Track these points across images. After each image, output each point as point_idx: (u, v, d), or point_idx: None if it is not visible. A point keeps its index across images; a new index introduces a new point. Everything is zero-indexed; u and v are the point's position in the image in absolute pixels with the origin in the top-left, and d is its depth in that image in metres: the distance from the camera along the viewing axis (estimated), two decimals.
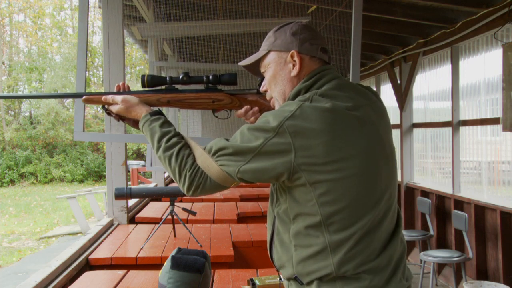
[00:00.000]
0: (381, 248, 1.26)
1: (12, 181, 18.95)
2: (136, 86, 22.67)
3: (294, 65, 1.34)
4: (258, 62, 1.43)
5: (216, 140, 1.31)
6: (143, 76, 1.53)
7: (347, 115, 1.23)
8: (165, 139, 1.37)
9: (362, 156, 1.22)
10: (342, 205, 1.21)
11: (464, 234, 4.22)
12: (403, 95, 6.14)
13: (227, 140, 1.29)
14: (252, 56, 1.43)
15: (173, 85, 1.57)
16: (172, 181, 8.08)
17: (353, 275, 1.22)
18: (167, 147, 1.36)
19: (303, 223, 1.25)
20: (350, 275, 1.22)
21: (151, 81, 1.55)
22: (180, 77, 1.53)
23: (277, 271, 1.36)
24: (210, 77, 1.54)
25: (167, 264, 1.91)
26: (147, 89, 1.56)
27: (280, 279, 1.44)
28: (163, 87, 1.58)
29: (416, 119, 6.21)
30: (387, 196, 1.29)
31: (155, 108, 1.51)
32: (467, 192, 4.91)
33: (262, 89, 1.44)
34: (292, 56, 1.34)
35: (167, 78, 1.56)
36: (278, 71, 1.37)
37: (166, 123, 1.43)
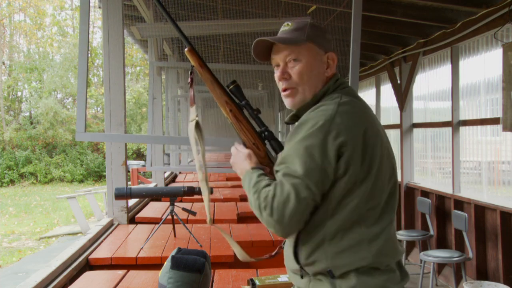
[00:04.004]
0: (396, 243, 1.39)
1: (12, 181, 18.96)
2: (136, 86, 22.70)
3: (328, 66, 1.43)
4: (269, 47, 1.43)
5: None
6: (234, 81, 1.53)
7: (374, 118, 1.38)
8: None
9: (383, 152, 1.35)
10: (376, 200, 1.32)
11: (464, 234, 4.22)
12: (403, 95, 6.14)
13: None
14: (287, 38, 1.40)
15: (246, 102, 1.53)
16: (172, 181, 8.07)
17: (386, 266, 1.32)
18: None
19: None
20: (384, 267, 1.32)
21: (234, 90, 1.54)
22: (254, 107, 1.54)
23: (301, 268, 1.36)
24: (266, 133, 1.52)
25: (167, 264, 1.91)
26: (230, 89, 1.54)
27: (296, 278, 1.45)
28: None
29: (416, 119, 6.21)
30: (397, 196, 1.41)
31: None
32: (467, 192, 4.91)
33: (282, 75, 1.42)
34: (331, 58, 1.43)
35: (246, 101, 1.53)
36: (315, 66, 1.42)
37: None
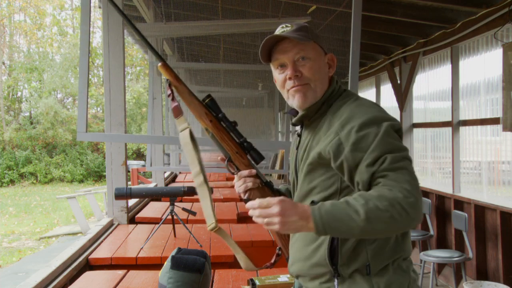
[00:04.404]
0: None
1: (12, 181, 18.96)
2: (136, 86, 22.70)
3: (330, 66, 1.45)
4: (269, 48, 1.41)
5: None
6: (209, 95, 1.53)
7: None
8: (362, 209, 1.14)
9: None
10: None
11: (464, 234, 4.22)
12: (403, 95, 6.14)
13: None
14: (299, 36, 1.36)
15: (223, 115, 1.53)
16: (172, 181, 8.07)
17: (408, 258, 1.38)
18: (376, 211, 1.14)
19: None
20: (408, 259, 1.37)
21: (210, 103, 1.53)
22: (231, 120, 1.54)
23: (336, 269, 1.32)
24: (245, 144, 1.52)
25: (167, 264, 1.92)
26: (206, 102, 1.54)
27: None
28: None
29: (416, 119, 6.21)
30: None
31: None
32: (467, 192, 4.91)
33: (295, 73, 1.38)
34: (331, 59, 1.46)
35: (222, 113, 1.53)
36: (321, 66, 1.43)
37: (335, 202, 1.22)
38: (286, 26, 1.42)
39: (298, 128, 1.54)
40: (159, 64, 1.54)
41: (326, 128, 1.34)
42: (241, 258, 1.54)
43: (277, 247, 1.58)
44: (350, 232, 1.16)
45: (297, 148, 1.49)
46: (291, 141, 1.70)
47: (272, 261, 1.57)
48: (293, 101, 1.41)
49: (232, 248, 1.55)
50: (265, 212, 1.18)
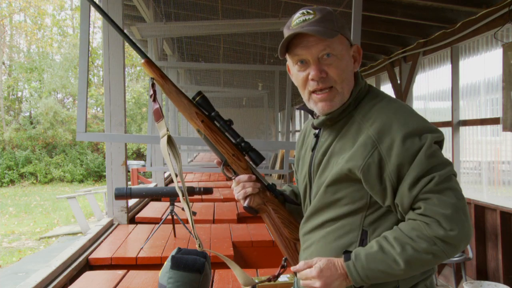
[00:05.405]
0: None
1: (12, 181, 18.97)
2: (136, 86, 22.71)
3: (355, 60, 1.27)
4: (287, 42, 1.23)
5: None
6: (200, 92, 1.42)
7: None
8: (400, 255, 1.12)
9: None
10: None
11: None
12: (403, 95, 6.14)
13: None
14: (324, 31, 1.18)
15: (216, 113, 1.42)
16: (172, 181, 8.07)
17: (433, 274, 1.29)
18: (414, 252, 1.11)
19: None
20: (432, 275, 1.28)
21: (201, 101, 1.41)
22: (226, 118, 1.42)
23: None
24: (243, 144, 1.41)
25: (167, 264, 1.91)
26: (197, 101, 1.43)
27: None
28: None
29: None
30: None
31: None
32: (467, 192, 4.91)
33: (320, 74, 1.21)
34: (357, 50, 1.28)
35: (215, 112, 1.42)
36: (348, 63, 1.24)
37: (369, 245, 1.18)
38: (308, 12, 1.23)
39: (305, 127, 1.45)
40: (143, 61, 1.42)
41: (355, 133, 1.20)
42: (239, 274, 1.45)
43: (283, 258, 1.45)
44: (391, 280, 1.16)
45: (312, 150, 1.33)
46: (295, 140, 1.64)
47: (276, 273, 1.46)
48: (316, 107, 1.25)
49: (228, 264, 1.46)
50: (307, 283, 1.21)
